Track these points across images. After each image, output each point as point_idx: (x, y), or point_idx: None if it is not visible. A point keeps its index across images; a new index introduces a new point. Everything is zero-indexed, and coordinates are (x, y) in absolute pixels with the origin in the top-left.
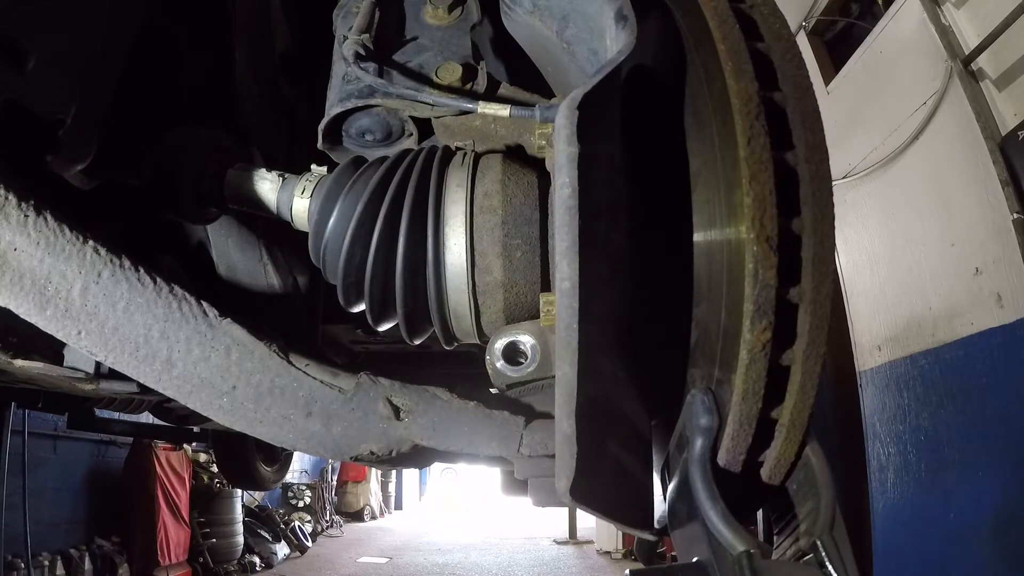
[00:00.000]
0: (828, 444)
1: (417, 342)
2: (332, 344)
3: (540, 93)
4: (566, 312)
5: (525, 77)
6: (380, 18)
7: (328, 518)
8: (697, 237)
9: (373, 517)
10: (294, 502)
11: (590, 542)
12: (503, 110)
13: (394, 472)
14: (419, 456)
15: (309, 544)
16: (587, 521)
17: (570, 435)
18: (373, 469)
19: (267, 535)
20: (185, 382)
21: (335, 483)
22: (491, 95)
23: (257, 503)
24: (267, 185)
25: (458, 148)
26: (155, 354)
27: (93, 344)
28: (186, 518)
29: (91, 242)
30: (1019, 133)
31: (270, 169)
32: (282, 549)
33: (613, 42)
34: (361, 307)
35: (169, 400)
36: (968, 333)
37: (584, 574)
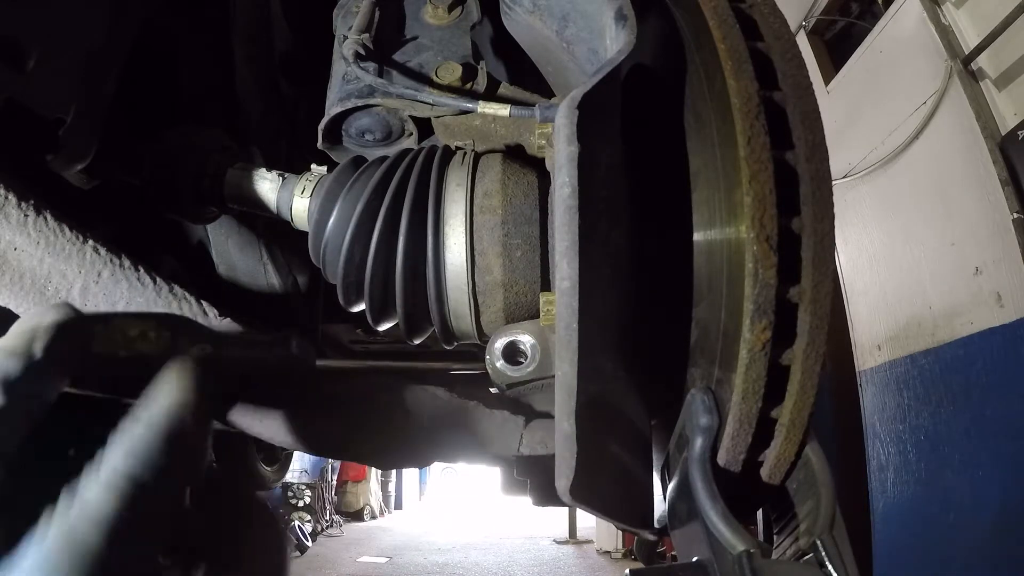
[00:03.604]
0: (828, 444)
1: (417, 342)
2: (332, 343)
3: (540, 93)
4: (566, 311)
5: (525, 77)
6: (380, 18)
7: (328, 518)
8: (697, 236)
9: (373, 517)
10: (294, 502)
11: (590, 542)
12: (503, 110)
13: (394, 472)
14: (419, 455)
15: (309, 544)
16: (587, 521)
17: (570, 434)
18: (373, 469)
19: None
20: None
21: (335, 483)
22: (491, 95)
23: None
24: (267, 184)
25: (458, 148)
26: None
27: None
28: None
29: (91, 242)
30: (1019, 133)
31: (270, 169)
32: None
33: (613, 42)
34: (361, 307)
35: None
36: (968, 333)
37: (584, 574)
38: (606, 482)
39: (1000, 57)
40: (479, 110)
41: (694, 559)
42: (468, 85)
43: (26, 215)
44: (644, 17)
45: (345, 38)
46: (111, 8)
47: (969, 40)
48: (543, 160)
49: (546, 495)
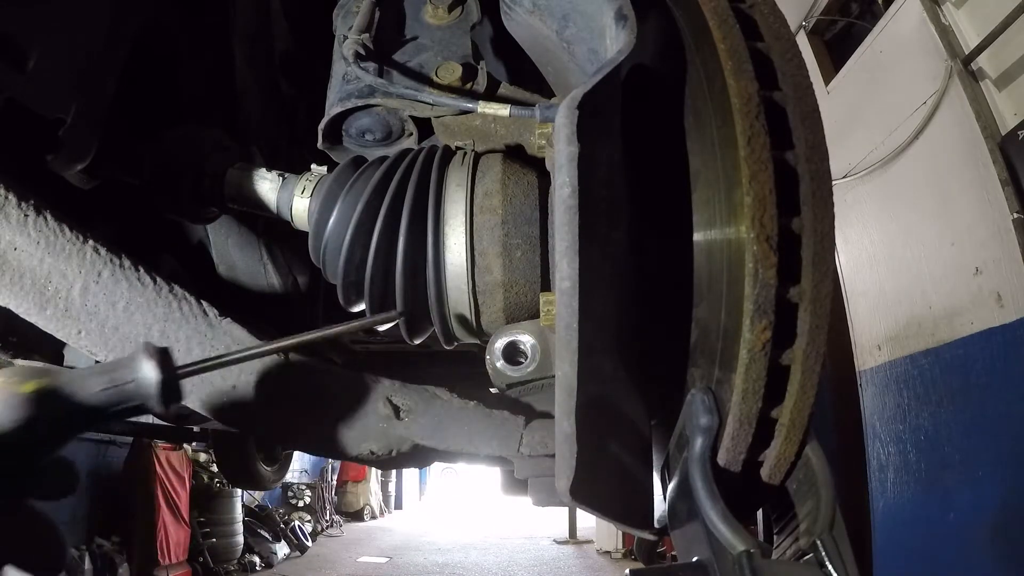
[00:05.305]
0: (828, 444)
1: (417, 342)
2: (332, 344)
3: (540, 93)
4: (566, 311)
5: (525, 77)
6: (380, 18)
7: (328, 518)
8: (697, 237)
9: (373, 517)
10: (294, 502)
11: (590, 542)
12: (503, 110)
13: (394, 472)
14: (419, 456)
15: (309, 544)
16: (587, 521)
17: (570, 435)
18: (373, 469)
19: (267, 535)
20: (185, 381)
21: (335, 483)
22: (491, 95)
23: (257, 503)
24: (267, 185)
25: (458, 148)
26: None
27: (93, 343)
28: (186, 518)
29: (91, 242)
30: (1019, 133)
31: (270, 169)
32: (282, 549)
33: (613, 42)
34: (361, 307)
35: None
36: (968, 332)
37: (584, 574)
38: (606, 482)
39: (1000, 57)
40: (479, 110)
41: (694, 559)
42: (468, 85)
43: (26, 215)
44: (644, 17)
45: (345, 38)
46: (111, 8)
47: (969, 40)
48: (543, 160)
49: (546, 495)
